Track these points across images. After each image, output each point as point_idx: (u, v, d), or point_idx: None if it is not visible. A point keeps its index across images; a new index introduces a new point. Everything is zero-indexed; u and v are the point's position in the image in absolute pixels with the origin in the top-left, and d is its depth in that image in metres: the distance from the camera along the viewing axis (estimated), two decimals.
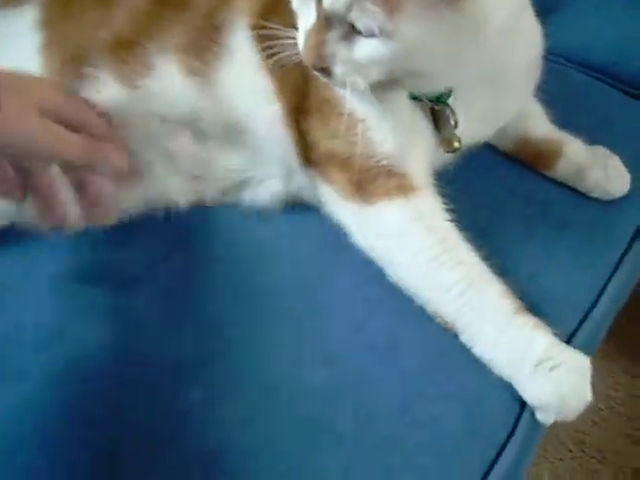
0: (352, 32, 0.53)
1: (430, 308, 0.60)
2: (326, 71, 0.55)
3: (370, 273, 0.62)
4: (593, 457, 1.16)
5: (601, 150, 0.74)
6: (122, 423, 0.56)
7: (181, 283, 0.64)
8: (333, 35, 0.53)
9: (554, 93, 0.71)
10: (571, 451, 1.16)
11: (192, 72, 0.64)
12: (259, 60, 0.63)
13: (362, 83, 0.55)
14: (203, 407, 0.56)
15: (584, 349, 0.63)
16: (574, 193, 0.73)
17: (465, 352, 0.59)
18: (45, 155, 0.56)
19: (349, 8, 0.50)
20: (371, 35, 0.51)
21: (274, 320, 0.62)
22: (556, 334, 0.59)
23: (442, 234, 0.60)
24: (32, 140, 0.54)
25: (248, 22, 0.64)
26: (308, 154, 0.65)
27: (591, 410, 1.16)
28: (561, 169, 0.74)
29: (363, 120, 0.61)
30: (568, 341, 0.64)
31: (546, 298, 0.63)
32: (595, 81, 0.85)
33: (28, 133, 0.54)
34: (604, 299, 0.69)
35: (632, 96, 0.88)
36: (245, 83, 0.64)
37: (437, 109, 0.62)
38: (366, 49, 0.53)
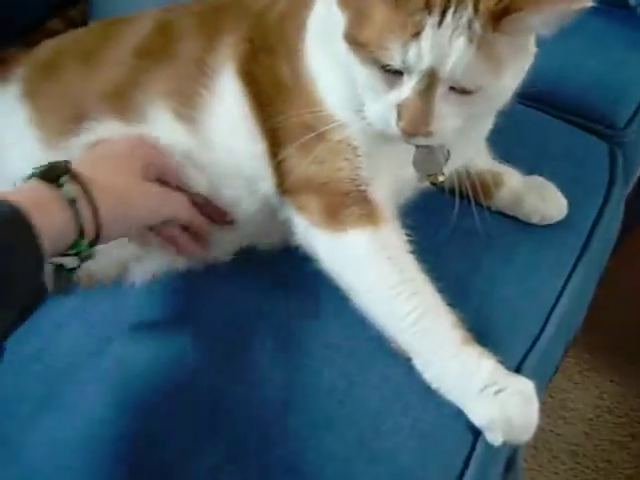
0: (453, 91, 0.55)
1: (387, 333, 0.63)
2: (428, 134, 0.57)
3: (328, 318, 0.67)
4: (587, 467, 1.18)
5: (537, 179, 0.77)
6: None
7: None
8: (439, 98, 0.55)
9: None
10: (565, 464, 1.18)
11: (180, 117, 0.67)
12: (246, 103, 0.66)
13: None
14: None
15: (536, 373, 0.67)
16: (515, 224, 0.76)
17: (419, 390, 0.62)
18: (168, 217, 0.66)
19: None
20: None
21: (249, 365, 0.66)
22: (503, 362, 0.61)
23: (402, 265, 0.63)
24: (157, 212, 0.64)
25: (235, 67, 0.67)
26: (283, 183, 0.67)
27: (582, 422, 1.21)
28: (500, 199, 0.76)
29: (353, 147, 0.64)
30: (518, 367, 0.67)
31: (494, 328, 0.67)
32: (532, 110, 0.88)
33: (153, 209, 0.64)
34: (550, 326, 0.72)
35: (568, 122, 0.91)
36: (232, 125, 0.67)
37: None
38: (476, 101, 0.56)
